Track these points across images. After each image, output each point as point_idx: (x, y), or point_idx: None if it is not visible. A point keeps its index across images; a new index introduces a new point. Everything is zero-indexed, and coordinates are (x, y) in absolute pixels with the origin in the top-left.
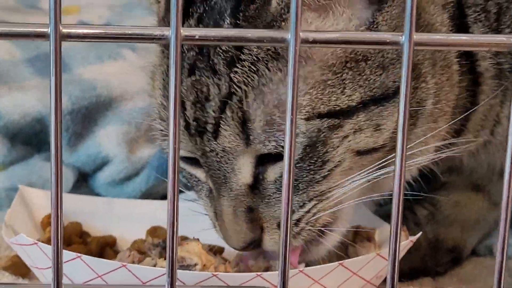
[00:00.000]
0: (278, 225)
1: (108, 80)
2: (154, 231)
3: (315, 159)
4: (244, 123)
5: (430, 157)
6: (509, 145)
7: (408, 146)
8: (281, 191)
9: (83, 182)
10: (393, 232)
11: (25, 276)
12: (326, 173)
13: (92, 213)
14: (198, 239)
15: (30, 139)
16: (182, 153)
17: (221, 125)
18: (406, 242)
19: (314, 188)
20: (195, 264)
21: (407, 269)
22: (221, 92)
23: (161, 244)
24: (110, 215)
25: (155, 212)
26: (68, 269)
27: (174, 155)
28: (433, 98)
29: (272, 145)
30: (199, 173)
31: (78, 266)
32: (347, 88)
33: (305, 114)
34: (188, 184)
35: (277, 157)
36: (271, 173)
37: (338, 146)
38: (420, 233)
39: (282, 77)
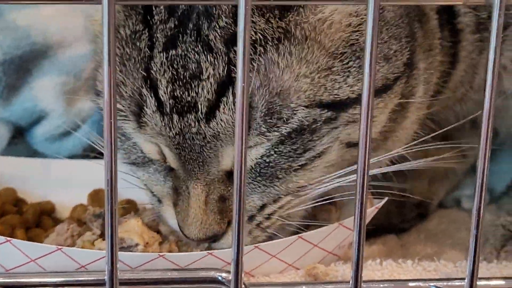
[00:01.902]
0: (249, 218)
1: (44, 25)
2: (96, 196)
3: (297, 145)
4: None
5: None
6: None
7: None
8: (259, 182)
9: (20, 137)
10: (357, 208)
11: None
12: (304, 162)
13: (27, 176)
14: (138, 215)
15: None
16: (136, 126)
17: (220, 110)
18: (371, 210)
19: (292, 179)
20: (136, 245)
21: (370, 226)
22: (218, 73)
23: (103, 214)
24: (47, 178)
25: (97, 173)
26: None
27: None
28: (423, 84)
29: (272, 136)
30: (152, 150)
31: (8, 250)
32: (350, 77)
33: (305, 101)
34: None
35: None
36: (248, 159)
37: (323, 136)
38: (386, 198)
39: (290, 62)
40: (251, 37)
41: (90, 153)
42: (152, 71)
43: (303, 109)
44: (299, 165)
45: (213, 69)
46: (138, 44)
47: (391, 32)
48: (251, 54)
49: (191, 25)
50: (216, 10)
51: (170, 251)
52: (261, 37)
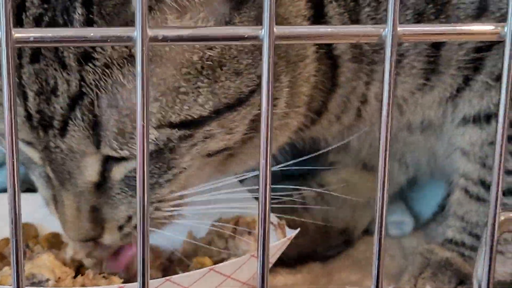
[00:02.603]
0: (120, 228)
1: None
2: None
3: (160, 164)
4: (95, 127)
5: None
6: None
7: None
8: (126, 192)
9: None
10: (260, 237)
11: None
12: (171, 178)
13: None
14: (62, 247)
15: None
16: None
17: (69, 125)
18: (283, 241)
19: (156, 192)
20: (47, 280)
21: (294, 254)
22: (71, 90)
23: (24, 248)
24: None
25: (25, 206)
26: None
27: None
28: (285, 97)
29: (124, 153)
30: (34, 155)
31: None
32: (201, 96)
33: (155, 122)
34: None
35: (121, 157)
36: (117, 172)
37: (185, 154)
38: (298, 229)
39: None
40: (100, 60)
41: (20, 186)
42: (22, 81)
43: (154, 130)
44: (165, 181)
45: (67, 86)
46: None
47: (241, 46)
48: (99, 75)
49: None
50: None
51: (83, 285)
52: (108, 60)
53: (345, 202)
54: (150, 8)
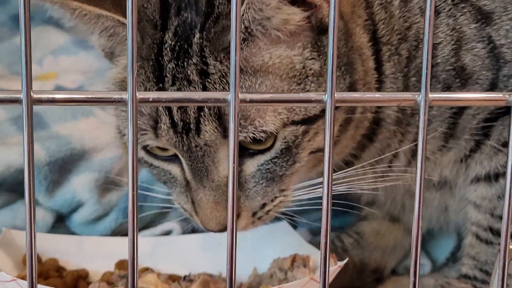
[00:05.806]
0: (253, 214)
1: (81, 135)
2: (121, 264)
3: (288, 158)
4: (220, 117)
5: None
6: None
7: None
8: (261, 182)
9: (61, 222)
10: (322, 258)
11: None
12: (295, 170)
13: (67, 250)
14: (153, 271)
15: (14, 187)
16: (160, 152)
17: (201, 122)
18: (335, 267)
19: (285, 181)
20: None
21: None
22: None
23: (127, 275)
24: (83, 251)
25: (123, 247)
26: None
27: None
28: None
29: (243, 136)
30: (174, 169)
31: None
32: None
33: (281, 123)
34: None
35: (254, 152)
36: (250, 166)
37: (304, 148)
38: (347, 259)
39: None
40: (216, 73)
41: (117, 233)
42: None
43: (281, 127)
44: (290, 173)
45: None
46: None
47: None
48: (218, 84)
49: (180, 63)
50: (191, 50)
51: None
52: (224, 72)
53: (376, 247)
54: (244, 39)
